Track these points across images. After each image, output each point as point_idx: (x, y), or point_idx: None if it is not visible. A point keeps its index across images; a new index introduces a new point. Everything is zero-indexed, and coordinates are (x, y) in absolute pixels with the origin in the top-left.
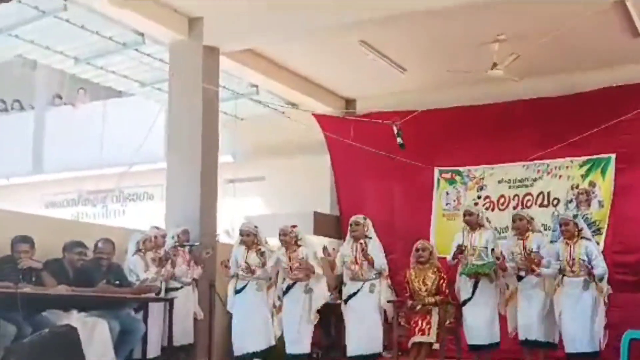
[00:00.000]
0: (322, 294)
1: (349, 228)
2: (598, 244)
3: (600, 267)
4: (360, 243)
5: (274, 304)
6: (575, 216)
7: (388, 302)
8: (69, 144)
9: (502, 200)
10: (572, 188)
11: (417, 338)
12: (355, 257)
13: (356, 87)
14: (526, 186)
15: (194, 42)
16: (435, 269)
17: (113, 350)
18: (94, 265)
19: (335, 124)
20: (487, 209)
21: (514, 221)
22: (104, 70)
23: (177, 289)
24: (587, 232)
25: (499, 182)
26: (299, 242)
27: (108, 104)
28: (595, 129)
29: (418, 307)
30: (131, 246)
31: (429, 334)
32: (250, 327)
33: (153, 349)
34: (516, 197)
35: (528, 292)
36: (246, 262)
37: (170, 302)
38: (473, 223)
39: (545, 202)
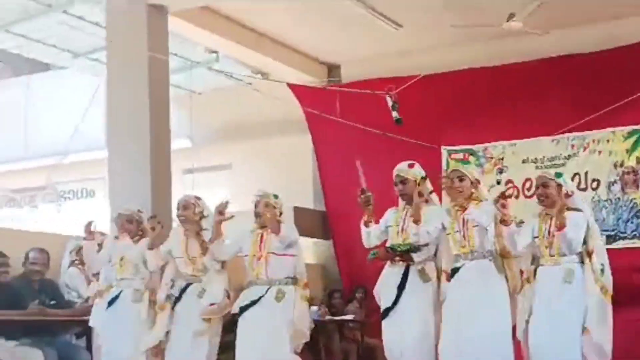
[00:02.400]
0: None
1: (254, 210)
2: None
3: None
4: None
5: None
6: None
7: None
8: None
9: (527, 184)
10: (615, 166)
11: None
12: (260, 252)
13: (340, 49)
14: (557, 165)
15: None
16: None
17: None
18: (23, 281)
19: (317, 97)
20: (509, 196)
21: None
22: (26, 39)
23: None
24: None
25: (524, 161)
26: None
27: (33, 79)
28: None
29: None
30: (66, 257)
31: None
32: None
33: None
34: None
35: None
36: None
37: None
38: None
39: (583, 185)
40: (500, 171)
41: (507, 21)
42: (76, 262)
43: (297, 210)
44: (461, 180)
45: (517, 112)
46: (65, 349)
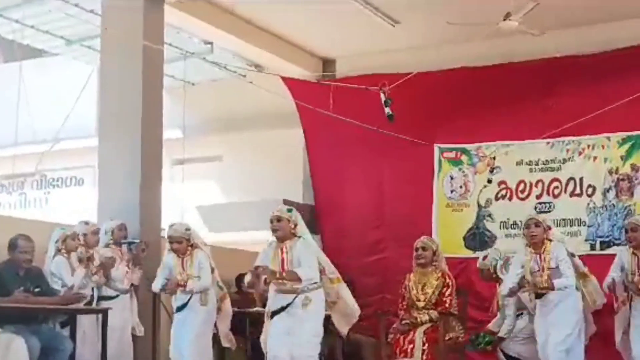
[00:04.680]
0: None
1: (270, 225)
2: None
3: None
4: (284, 246)
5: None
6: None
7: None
8: None
9: (521, 186)
10: (610, 172)
11: None
12: (282, 266)
13: (336, 44)
14: (552, 169)
15: None
16: (439, 274)
17: None
18: (9, 268)
19: (310, 91)
20: (502, 197)
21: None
22: (20, 24)
23: (111, 297)
24: None
25: (517, 163)
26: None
27: (25, 66)
28: (637, 94)
29: (403, 322)
30: (51, 245)
31: (411, 356)
32: (191, 351)
33: None
34: (540, 183)
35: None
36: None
37: (104, 313)
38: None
39: (578, 191)
40: (492, 171)
41: (504, 20)
42: (62, 251)
43: (286, 204)
44: (537, 225)
45: (512, 113)
46: (48, 337)
